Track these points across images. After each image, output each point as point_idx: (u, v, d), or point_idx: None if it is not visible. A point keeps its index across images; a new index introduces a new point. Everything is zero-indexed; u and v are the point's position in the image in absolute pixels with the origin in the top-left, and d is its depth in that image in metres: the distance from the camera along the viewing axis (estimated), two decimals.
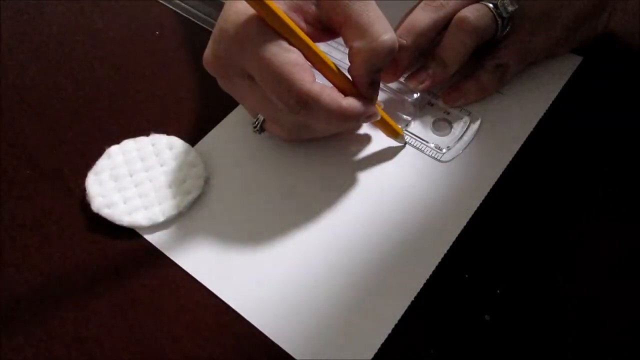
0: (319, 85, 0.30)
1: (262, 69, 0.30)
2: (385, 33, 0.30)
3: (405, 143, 0.36)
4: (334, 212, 0.34)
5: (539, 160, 0.35)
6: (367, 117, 0.33)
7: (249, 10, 0.29)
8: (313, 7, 0.31)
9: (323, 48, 0.39)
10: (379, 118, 0.34)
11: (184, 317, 0.31)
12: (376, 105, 0.33)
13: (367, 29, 0.29)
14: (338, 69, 0.32)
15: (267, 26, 0.29)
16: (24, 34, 0.45)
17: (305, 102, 0.30)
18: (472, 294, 0.30)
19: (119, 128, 0.39)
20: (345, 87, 0.32)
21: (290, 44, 0.30)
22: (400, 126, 0.36)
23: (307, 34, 0.31)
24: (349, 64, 0.31)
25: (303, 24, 0.31)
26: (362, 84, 0.31)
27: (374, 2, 0.30)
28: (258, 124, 0.34)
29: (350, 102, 0.31)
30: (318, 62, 0.31)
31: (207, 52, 0.32)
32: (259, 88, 0.31)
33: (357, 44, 0.30)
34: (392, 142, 0.36)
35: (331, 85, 0.32)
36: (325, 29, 0.32)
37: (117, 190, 0.35)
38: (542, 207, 0.33)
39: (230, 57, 0.31)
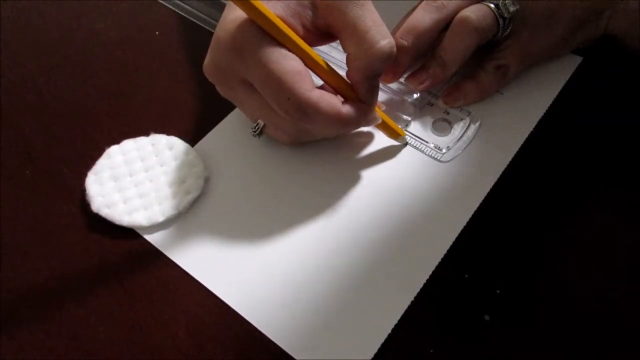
0: (318, 92, 0.30)
1: (261, 77, 0.30)
2: (382, 39, 0.29)
3: (407, 143, 0.36)
4: (333, 212, 0.34)
5: (539, 160, 0.35)
6: (367, 121, 0.33)
7: (246, 18, 0.29)
8: (310, 13, 0.31)
9: (323, 48, 0.39)
10: (379, 122, 0.34)
11: (184, 317, 0.31)
12: (376, 108, 0.33)
13: (364, 36, 0.29)
14: (337, 74, 0.32)
15: (264, 33, 0.29)
16: (24, 34, 0.45)
17: (305, 109, 0.30)
18: (472, 294, 0.30)
19: (119, 128, 0.39)
20: (345, 91, 0.32)
21: (288, 50, 0.30)
22: (400, 126, 0.36)
23: (305, 38, 0.31)
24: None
25: (300, 29, 0.31)
26: (360, 89, 0.31)
27: (372, 6, 0.30)
28: (258, 129, 0.34)
29: (350, 109, 0.31)
30: (316, 68, 0.31)
31: (207, 61, 0.33)
32: (258, 95, 0.31)
33: (354, 50, 0.30)
34: (393, 141, 0.36)
35: (330, 89, 0.32)
36: (323, 34, 0.32)
37: (117, 190, 0.35)
38: (542, 207, 0.33)
39: (229, 65, 0.31)
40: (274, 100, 0.30)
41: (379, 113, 0.34)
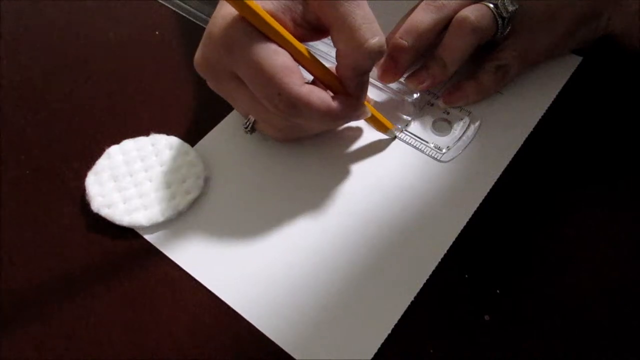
0: (307, 87, 0.30)
1: (251, 72, 0.30)
2: (372, 37, 0.29)
3: (395, 137, 0.36)
4: (333, 213, 0.34)
5: (538, 160, 0.35)
6: (357, 115, 0.33)
7: (236, 14, 0.29)
8: (301, 8, 0.31)
9: (322, 48, 0.39)
10: (369, 115, 0.34)
11: (184, 317, 0.31)
12: (365, 102, 0.33)
13: (354, 33, 0.29)
14: (326, 69, 0.32)
15: (254, 29, 0.29)
16: (24, 34, 0.45)
17: (295, 104, 0.30)
18: (472, 294, 0.30)
19: (119, 128, 0.39)
20: (334, 85, 0.32)
21: (278, 45, 0.30)
22: (399, 126, 0.36)
23: (295, 34, 0.31)
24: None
25: (291, 25, 0.31)
26: (349, 85, 0.32)
27: (364, 2, 0.30)
28: (249, 124, 0.34)
29: (340, 103, 0.31)
30: (306, 63, 0.31)
31: (197, 55, 0.33)
32: (248, 90, 0.31)
33: (343, 46, 0.30)
34: (382, 135, 0.36)
35: (320, 85, 0.32)
36: (314, 29, 0.32)
37: (116, 190, 0.35)
38: (541, 207, 0.33)
39: (219, 60, 0.31)
40: (264, 95, 0.30)
41: (368, 107, 0.34)
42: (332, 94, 0.32)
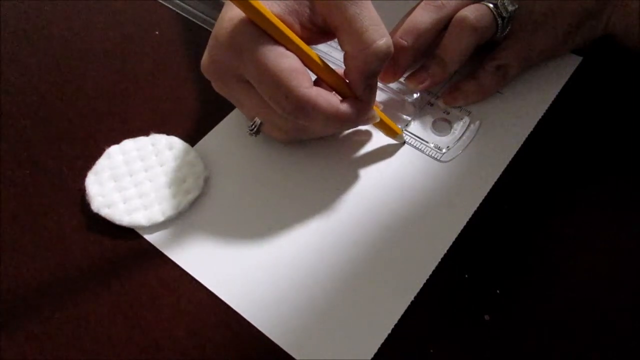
0: (316, 89, 0.30)
1: (259, 75, 0.30)
2: (379, 38, 0.29)
3: (404, 142, 0.36)
4: (334, 212, 0.34)
5: (538, 160, 0.35)
6: (366, 120, 0.33)
7: (243, 16, 0.29)
8: (308, 11, 0.31)
9: (323, 48, 0.39)
10: (377, 120, 0.34)
11: (184, 317, 0.31)
12: (375, 107, 0.33)
13: (361, 35, 0.29)
14: (334, 72, 0.32)
15: (262, 32, 0.29)
16: (24, 34, 0.45)
17: (303, 107, 0.30)
18: (472, 294, 0.30)
19: (119, 128, 0.39)
20: (342, 89, 0.32)
21: (286, 48, 0.30)
22: (400, 126, 0.36)
23: (303, 37, 0.31)
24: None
25: (298, 27, 0.31)
26: (357, 88, 0.31)
27: (370, 5, 0.30)
28: (255, 127, 0.34)
29: (348, 107, 0.31)
30: (313, 66, 0.31)
31: (205, 58, 0.33)
32: (256, 93, 0.31)
33: (351, 49, 0.30)
34: (391, 140, 0.36)
35: (328, 88, 0.32)
36: (321, 31, 0.32)
37: (116, 190, 0.35)
38: (541, 207, 0.33)
39: (227, 63, 0.31)
40: (271, 98, 0.30)
41: (377, 112, 0.34)
42: (340, 97, 0.32)
